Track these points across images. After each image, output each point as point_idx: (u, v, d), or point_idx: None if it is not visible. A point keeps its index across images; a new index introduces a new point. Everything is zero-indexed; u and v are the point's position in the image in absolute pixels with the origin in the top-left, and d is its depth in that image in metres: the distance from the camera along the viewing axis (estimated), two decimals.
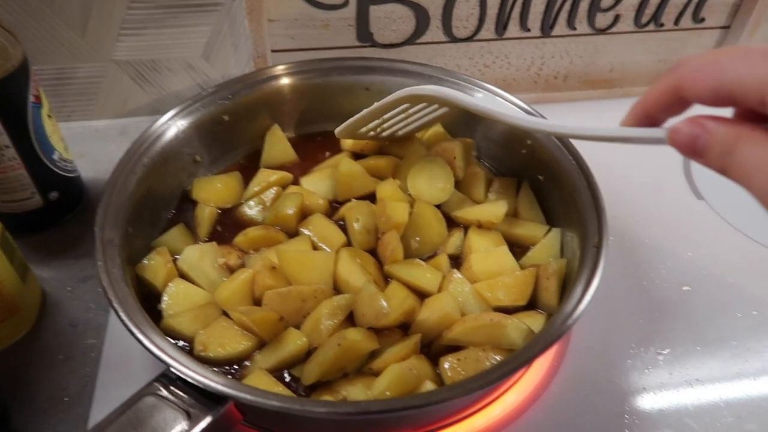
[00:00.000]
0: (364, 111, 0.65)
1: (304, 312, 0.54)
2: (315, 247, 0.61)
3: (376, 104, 0.63)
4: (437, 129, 0.73)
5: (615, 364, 0.59)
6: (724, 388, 0.57)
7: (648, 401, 0.56)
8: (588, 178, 0.60)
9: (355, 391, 0.49)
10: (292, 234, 0.63)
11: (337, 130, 0.68)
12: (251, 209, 0.66)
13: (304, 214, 0.64)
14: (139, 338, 0.45)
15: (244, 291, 0.56)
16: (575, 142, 0.63)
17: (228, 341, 0.52)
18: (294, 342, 0.51)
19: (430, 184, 0.64)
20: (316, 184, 0.68)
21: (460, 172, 0.66)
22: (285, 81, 0.73)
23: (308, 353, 0.52)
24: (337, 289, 0.57)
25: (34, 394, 0.55)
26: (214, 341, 0.52)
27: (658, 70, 0.94)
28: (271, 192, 0.67)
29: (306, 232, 0.62)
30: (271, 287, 0.55)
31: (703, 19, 0.89)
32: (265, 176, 0.68)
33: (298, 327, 0.54)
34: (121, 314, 0.46)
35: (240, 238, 0.61)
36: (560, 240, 0.62)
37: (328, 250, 0.60)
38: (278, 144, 0.72)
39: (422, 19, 0.82)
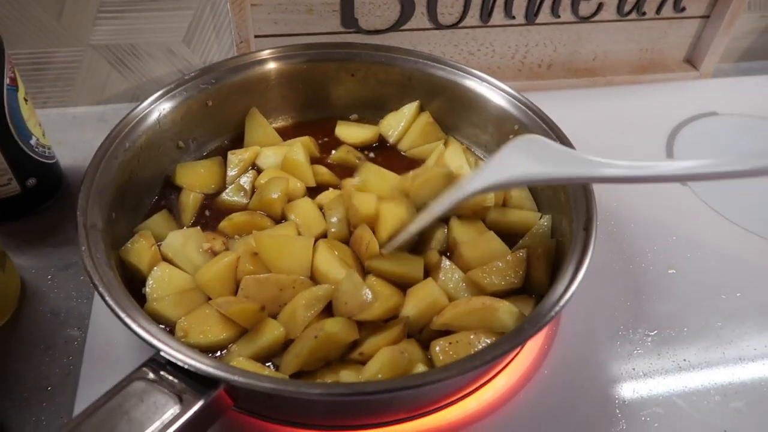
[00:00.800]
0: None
1: (281, 301, 0.53)
2: (299, 233, 0.60)
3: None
4: (427, 119, 0.72)
5: (604, 346, 0.59)
6: (711, 368, 0.58)
7: (638, 383, 0.56)
8: None
9: (340, 378, 0.49)
10: (278, 219, 0.62)
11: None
12: (231, 197, 0.64)
13: (289, 198, 0.63)
14: (126, 322, 0.43)
15: (225, 275, 0.54)
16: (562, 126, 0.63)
17: (210, 329, 0.51)
18: (271, 332, 0.50)
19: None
20: (269, 159, 0.68)
21: None
22: (270, 66, 0.72)
23: (286, 343, 0.51)
24: (314, 280, 0.56)
25: (16, 384, 0.53)
26: (196, 328, 0.50)
27: (639, 59, 0.96)
28: (247, 176, 0.66)
29: (291, 217, 0.61)
30: (252, 273, 0.54)
31: (684, 9, 0.90)
32: (236, 158, 0.67)
33: (275, 315, 0.53)
34: (108, 299, 0.45)
35: (225, 223, 0.60)
36: (551, 226, 0.62)
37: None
38: (259, 128, 0.71)
39: (407, 5, 0.81)
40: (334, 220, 0.60)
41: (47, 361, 0.55)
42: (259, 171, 0.68)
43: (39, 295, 0.60)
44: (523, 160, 0.50)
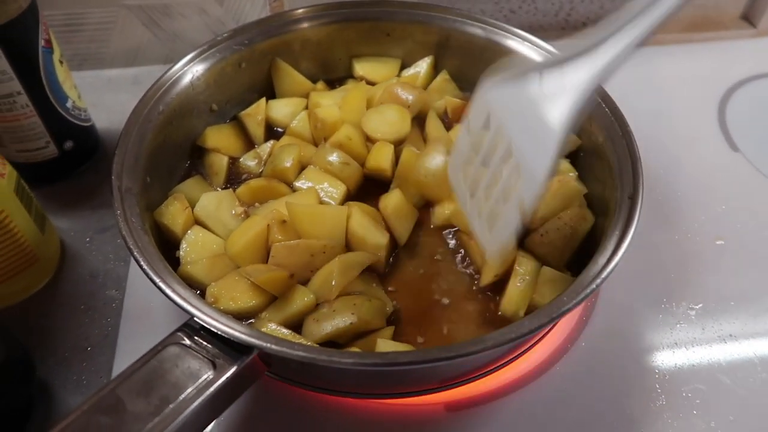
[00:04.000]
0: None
1: (312, 266, 0.52)
2: (320, 201, 0.59)
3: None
4: (443, 76, 0.70)
5: (645, 318, 0.57)
6: (758, 343, 0.56)
7: (679, 357, 0.54)
8: (623, 127, 0.57)
9: (377, 346, 0.49)
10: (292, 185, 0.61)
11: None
12: (246, 162, 0.64)
13: (302, 165, 0.62)
14: (161, 287, 0.44)
15: (257, 245, 0.54)
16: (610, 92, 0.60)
17: (240, 295, 0.50)
18: (301, 299, 0.50)
19: (383, 122, 0.63)
20: (281, 110, 0.68)
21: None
22: (303, 25, 0.70)
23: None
24: (348, 247, 0.55)
25: (57, 344, 0.54)
26: (226, 294, 0.50)
27: (692, 16, 0.90)
28: (269, 144, 0.65)
29: (305, 185, 0.60)
30: (280, 241, 0.53)
31: None
32: (251, 120, 0.66)
33: (305, 282, 0.52)
34: (143, 264, 0.45)
35: (242, 189, 0.59)
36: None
37: (332, 202, 0.58)
38: (286, 77, 0.70)
39: None
40: (334, 158, 0.60)
41: (87, 322, 0.56)
42: (274, 126, 0.68)
43: (78, 257, 0.61)
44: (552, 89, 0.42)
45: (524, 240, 0.56)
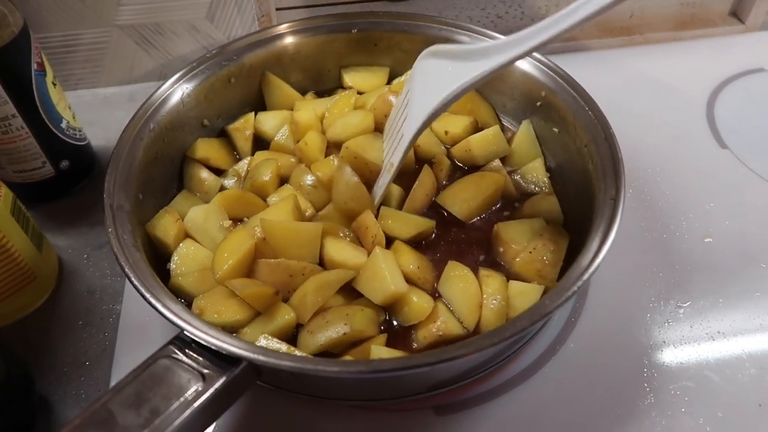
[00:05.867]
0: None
1: (291, 287, 0.53)
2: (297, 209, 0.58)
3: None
4: None
5: (634, 318, 0.58)
6: (746, 340, 0.56)
7: (668, 355, 0.55)
8: (605, 130, 0.58)
9: (371, 353, 0.49)
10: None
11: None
12: (227, 181, 0.64)
13: (281, 179, 0.63)
14: (152, 303, 0.45)
15: (242, 266, 0.53)
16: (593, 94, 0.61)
17: (225, 309, 0.51)
18: (282, 317, 0.51)
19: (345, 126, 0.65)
20: (268, 122, 0.69)
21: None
22: (291, 39, 0.71)
23: (298, 326, 0.52)
24: (325, 266, 0.55)
25: (56, 360, 0.56)
26: (212, 307, 0.51)
27: (680, 14, 0.90)
28: (244, 162, 0.66)
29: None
30: (263, 256, 0.54)
31: None
32: (240, 134, 0.67)
33: (286, 299, 0.53)
34: (134, 280, 0.46)
35: (218, 198, 0.60)
36: (533, 132, 0.66)
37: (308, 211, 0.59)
38: (276, 89, 0.71)
39: None
40: (309, 180, 0.61)
41: (85, 336, 0.57)
42: (264, 139, 0.69)
43: (76, 273, 0.63)
44: (448, 73, 0.53)
45: (514, 263, 0.56)
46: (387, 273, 0.51)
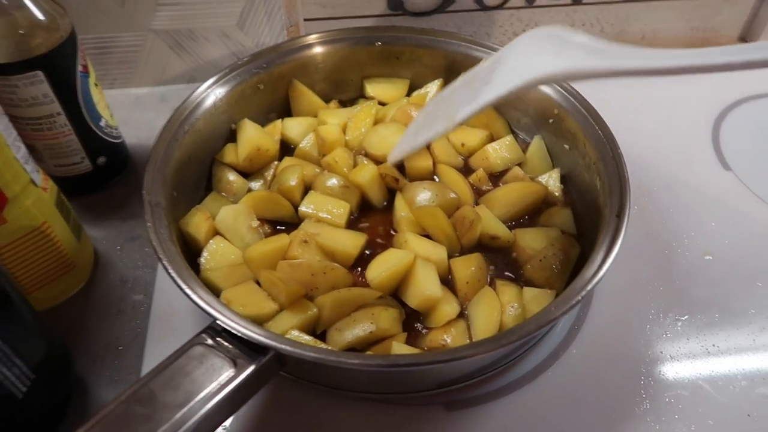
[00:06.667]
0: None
1: (313, 284, 0.56)
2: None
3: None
4: None
5: (634, 328, 0.61)
6: (739, 354, 0.59)
7: (664, 365, 0.58)
8: (613, 149, 0.61)
9: (393, 349, 0.53)
10: (297, 203, 0.65)
11: None
12: (254, 182, 0.68)
13: (305, 184, 0.66)
14: (188, 293, 0.49)
15: (273, 257, 0.58)
16: (602, 113, 0.64)
17: (250, 303, 0.54)
18: (305, 312, 0.54)
19: (382, 141, 0.68)
20: (294, 129, 0.73)
21: None
22: (318, 50, 0.75)
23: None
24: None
25: (91, 344, 0.59)
26: (238, 299, 0.54)
27: (690, 38, 0.94)
28: (271, 167, 0.69)
29: (309, 208, 0.63)
30: (295, 258, 0.57)
31: None
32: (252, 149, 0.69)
33: (309, 297, 0.56)
34: (172, 272, 0.50)
35: (246, 199, 0.64)
36: (545, 146, 0.70)
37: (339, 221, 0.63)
38: (301, 97, 0.75)
39: None
40: (333, 182, 0.65)
41: (118, 323, 0.61)
42: (290, 144, 0.72)
43: (110, 264, 0.66)
44: (553, 53, 0.45)
45: (525, 267, 0.60)
46: (425, 279, 0.56)
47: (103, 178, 0.73)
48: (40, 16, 0.60)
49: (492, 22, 0.87)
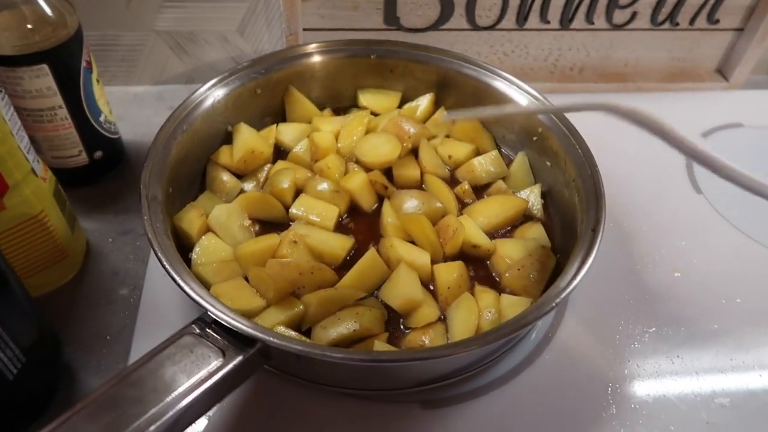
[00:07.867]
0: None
1: (299, 284, 0.58)
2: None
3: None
4: (441, 113, 0.78)
5: (604, 337, 0.64)
6: (701, 365, 0.62)
7: (631, 373, 0.61)
8: (591, 167, 0.64)
9: (375, 347, 0.55)
10: (287, 206, 0.67)
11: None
12: (247, 184, 0.70)
13: (297, 188, 0.69)
14: (181, 286, 0.51)
15: (263, 255, 0.60)
16: (583, 134, 0.68)
17: (238, 298, 0.56)
18: (291, 309, 0.56)
19: (373, 149, 0.71)
20: (288, 134, 0.75)
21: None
22: (315, 59, 0.78)
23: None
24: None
25: (80, 332, 0.61)
26: (227, 294, 0.56)
27: (670, 67, 0.98)
28: (266, 168, 0.71)
29: (300, 210, 0.66)
30: (284, 257, 0.60)
31: (717, 21, 0.92)
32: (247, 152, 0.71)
33: (296, 294, 0.58)
34: (166, 264, 0.52)
35: (239, 199, 0.66)
36: (528, 162, 0.73)
37: (327, 223, 0.65)
38: (297, 103, 0.77)
39: (447, 6, 0.86)
40: (324, 186, 0.67)
41: (107, 314, 0.63)
42: (282, 148, 0.75)
43: (101, 255, 0.68)
44: None
45: (504, 276, 0.63)
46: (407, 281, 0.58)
47: (98, 171, 0.74)
48: (48, 11, 0.62)
49: (483, 42, 0.91)
